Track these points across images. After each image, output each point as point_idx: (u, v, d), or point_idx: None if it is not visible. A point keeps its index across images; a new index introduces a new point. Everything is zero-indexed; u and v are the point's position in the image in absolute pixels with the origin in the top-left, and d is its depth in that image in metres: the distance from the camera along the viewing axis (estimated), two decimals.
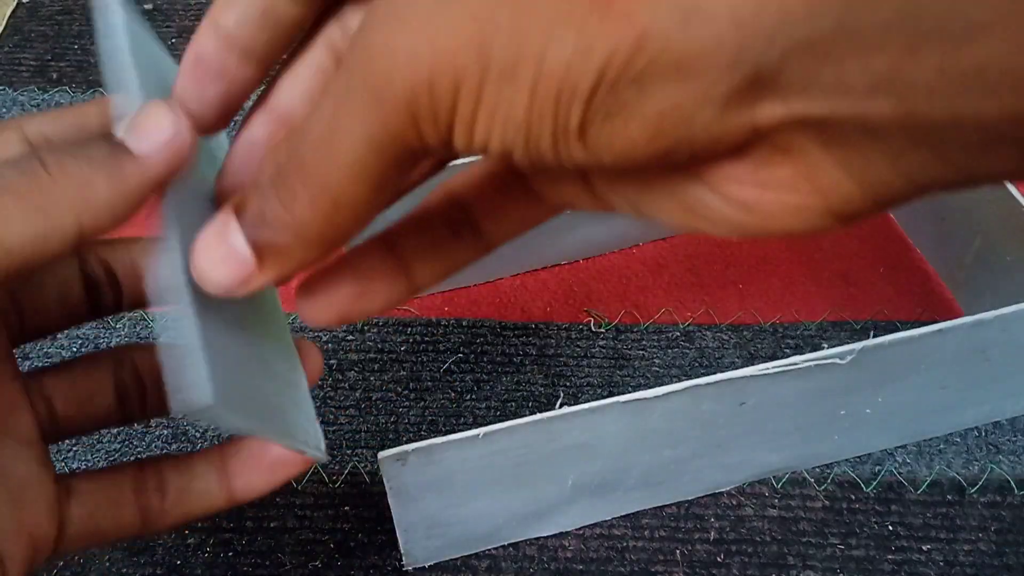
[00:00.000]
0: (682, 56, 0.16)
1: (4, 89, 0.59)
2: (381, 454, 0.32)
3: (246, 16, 0.22)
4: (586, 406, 0.33)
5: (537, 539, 0.40)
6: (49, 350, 0.46)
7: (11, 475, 0.25)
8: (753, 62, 0.16)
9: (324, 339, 0.46)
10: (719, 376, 0.34)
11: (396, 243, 0.25)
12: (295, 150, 0.19)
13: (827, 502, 0.41)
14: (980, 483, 0.41)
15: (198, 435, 0.43)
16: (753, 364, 0.35)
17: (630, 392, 0.34)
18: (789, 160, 0.18)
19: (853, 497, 0.41)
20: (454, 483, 0.34)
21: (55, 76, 0.60)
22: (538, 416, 0.33)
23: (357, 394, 0.44)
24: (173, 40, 0.62)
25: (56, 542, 0.26)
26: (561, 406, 0.33)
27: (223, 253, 0.20)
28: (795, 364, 0.34)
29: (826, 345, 0.46)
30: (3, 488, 0.24)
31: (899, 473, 0.41)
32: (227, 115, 0.24)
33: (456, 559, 0.39)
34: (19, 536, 0.25)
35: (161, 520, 0.28)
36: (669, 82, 0.16)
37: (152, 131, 0.22)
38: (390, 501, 0.34)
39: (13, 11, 0.65)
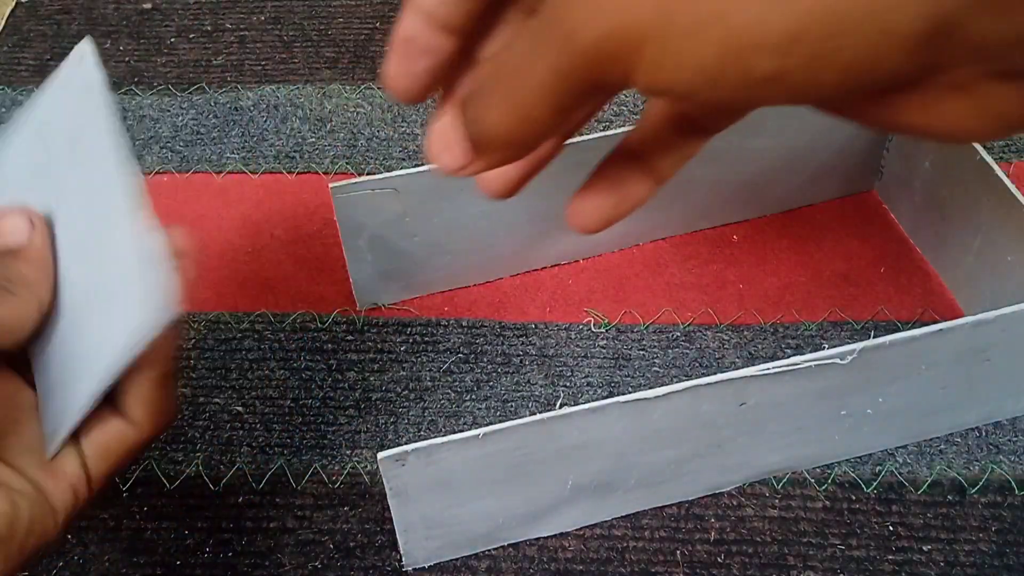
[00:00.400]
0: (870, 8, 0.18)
1: (3, 89, 0.59)
2: (381, 454, 0.32)
3: None
4: (586, 406, 0.33)
5: (537, 539, 0.40)
6: None
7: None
8: (940, 14, 0.18)
9: (324, 339, 0.46)
10: (719, 376, 0.34)
11: (633, 152, 0.30)
12: (497, 72, 0.22)
13: (828, 502, 0.41)
14: (981, 483, 0.41)
15: (197, 436, 0.43)
16: (753, 364, 0.35)
17: (630, 392, 0.34)
18: (966, 95, 0.20)
19: (854, 497, 0.41)
20: (454, 483, 0.34)
21: None
22: (538, 416, 0.33)
23: (357, 394, 0.44)
24: (172, 40, 0.62)
25: (88, 484, 0.31)
26: (561, 406, 0.33)
27: (448, 142, 0.24)
28: (795, 364, 0.34)
29: (826, 345, 0.46)
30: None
31: (900, 473, 0.41)
32: (434, 85, 0.27)
33: (456, 560, 0.39)
34: (65, 489, 0.31)
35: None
36: (855, 36, 0.18)
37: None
38: (390, 502, 0.34)
39: (12, 10, 0.65)
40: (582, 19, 0.20)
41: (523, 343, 0.46)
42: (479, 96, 0.23)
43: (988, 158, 0.41)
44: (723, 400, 0.35)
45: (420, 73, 0.26)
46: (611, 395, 0.33)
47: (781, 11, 0.19)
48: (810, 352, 0.35)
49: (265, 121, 0.57)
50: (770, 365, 0.34)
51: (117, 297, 0.28)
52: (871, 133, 0.48)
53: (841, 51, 0.19)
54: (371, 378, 0.45)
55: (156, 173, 0.54)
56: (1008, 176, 0.41)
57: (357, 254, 0.44)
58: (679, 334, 0.46)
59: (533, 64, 0.22)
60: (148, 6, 0.65)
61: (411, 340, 0.46)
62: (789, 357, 0.34)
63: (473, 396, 0.44)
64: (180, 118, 0.57)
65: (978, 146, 0.42)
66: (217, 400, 0.44)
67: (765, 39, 0.19)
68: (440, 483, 0.34)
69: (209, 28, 0.63)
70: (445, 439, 0.32)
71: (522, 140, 0.24)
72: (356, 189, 0.41)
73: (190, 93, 0.59)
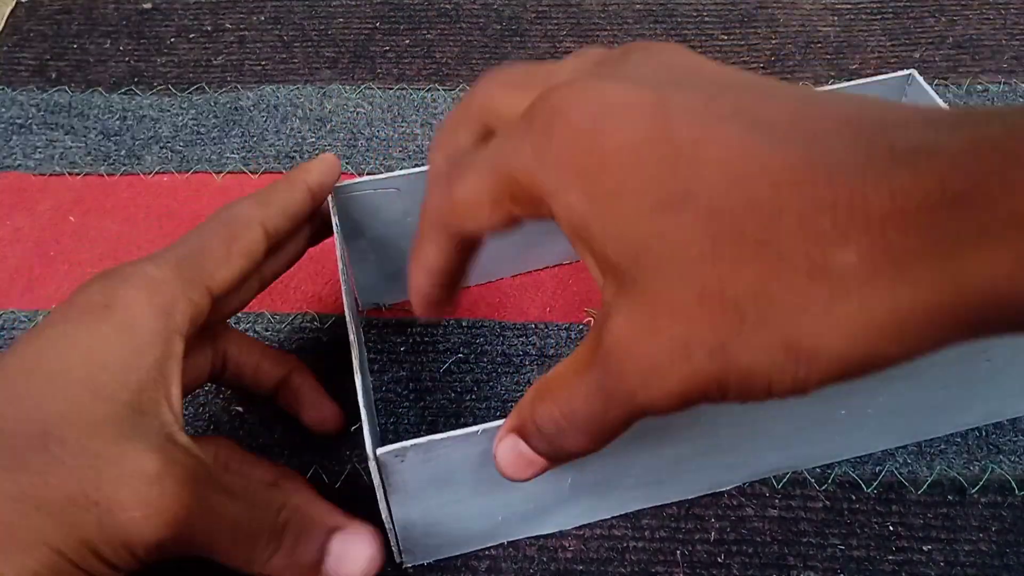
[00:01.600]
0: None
1: (3, 88, 0.59)
2: (380, 450, 0.32)
3: (441, 256, 0.31)
4: None
5: (537, 539, 0.40)
6: None
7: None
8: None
9: (324, 340, 0.46)
10: None
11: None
12: (572, 418, 0.27)
13: (828, 502, 0.41)
14: (981, 483, 0.41)
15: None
16: None
17: None
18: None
19: (854, 497, 0.41)
20: (453, 480, 0.34)
21: (54, 76, 0.60)
22: None
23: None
24: (172, 40, 0.62)
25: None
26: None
27: (527, 462, 0.29)
28: None
29: None
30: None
31: (900, 473, 0.41)
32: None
33: (455, 558, 0.39)
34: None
35: (219, 379, 0.40)
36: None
37: (343, 570, 0.34)
38: (389, 498, 0.34)
39: (12, 10, 0.65)
40: (640, 397, 0.25)
41: (523, 343, 0.46)
42: (559, 435, 0.27)
43: None
44: None
45: (441, 304, 0.34)
46: None
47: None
48: None
49: (265, 121, 0.57)
50: None
51: None
52: None
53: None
54: (371, 378, 0.45)
55: (156, 173, 0.54)
56: None
57: (359, 254, 0.44)
58: None
59: (605, 414, 0.26)
60: (148, 6, 0.65)
61: (411, 340, 0.46)
62: None
63: (473, 396, 0.44)
64: (180, 118, 0.57)
65: None
66: (217, 400, 0.44)
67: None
68: (439, 480, 0.34)
69: (209, 28, 0.63)
70: (444, 435, 0.32)
71: (591, 450, 0.28)
72: (358, 189, 0.41)
73: (190, 93, 0.59)
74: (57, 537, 0.28)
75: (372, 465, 0.32)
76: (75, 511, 0.28)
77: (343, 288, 0.38)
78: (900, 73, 0.45)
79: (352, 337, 0.36)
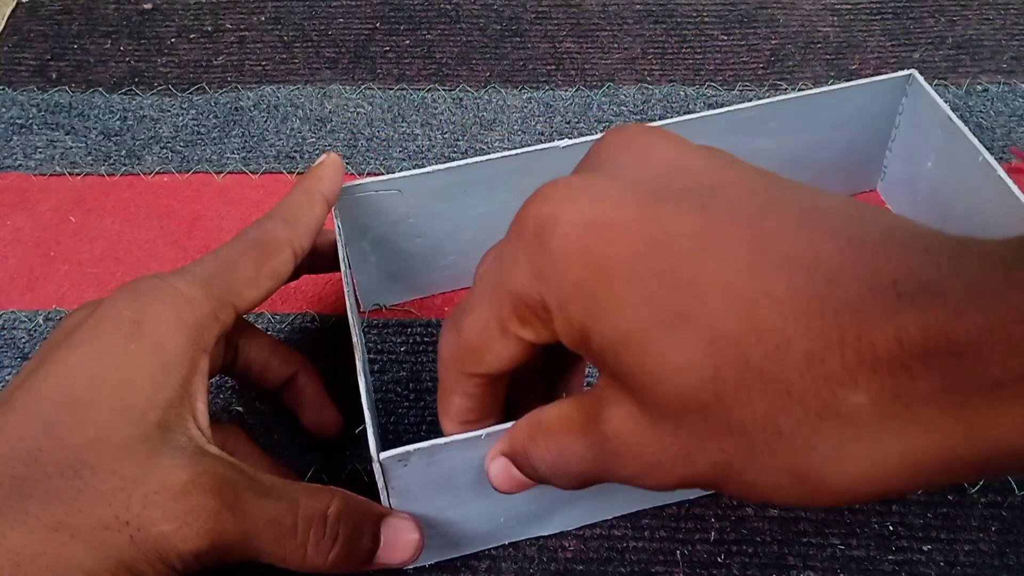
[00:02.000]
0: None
1: (3, 89, 0.59)
2: (383, 454, 0.32)
3: (469, 401, 0.32)
4: None
5: (537, 539, 0.40)
6: None
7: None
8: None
9: (325, 340, 0.46)
10: None
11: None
12: (558, 466, 0.28)
13: None
14: (980, 483, 0.41)
15: None
16: None
17: None
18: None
19: None
20: (456, 483, 0.34)
21: (54, 76, 0.60)
22: None
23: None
24: (172, 40, 0.62)
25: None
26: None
27: (514, 479, 0.31)
28: None
29: None
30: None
31: None
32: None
33: (456, 559, 0.39)
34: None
35: (227, 371, 0.40)
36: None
37: (393, 556, 0.34)
38: (391, 501, 0.34)
39: (12, 11, 0.65)
40: (639, 475, 0.26)
41: None
42: (550, 475, 0.29)
43: (991, 159, 0.41)
44: None
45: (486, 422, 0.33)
46: None
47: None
48: None
49: (265, 121, 0.57)
50: None
51: None
52: (873, 133, 0.48)
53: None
54: (371, 378, 0.45)
55: (156, 173, 0.54)
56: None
57: (361, 255, 0.44)
58: None
59: (596, 476, 0.28)
60: (148, 6, 0.65)
61: (411, 340, 0.46)
62: None
63: None
64: (180, 118, 0.57)
65: (981, 147, 0.42)
66: (217, 400, 0.44)
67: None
68: (442, 483, 0.34)
69: (209, 28, 0.63)
70: (447, 439, 0.32)
71: (579, 489, 0.29)
72: (360, 191, 0.41)
73: (190, 93, 0.59)
74: (93, 563, 0.28)
75: (376, 468, 0.32)
76: (108, 535, 0.29)
77: (345, 290, 0.38)
78: (900, 73, 0.45)
79: (355, 339, 0.36)
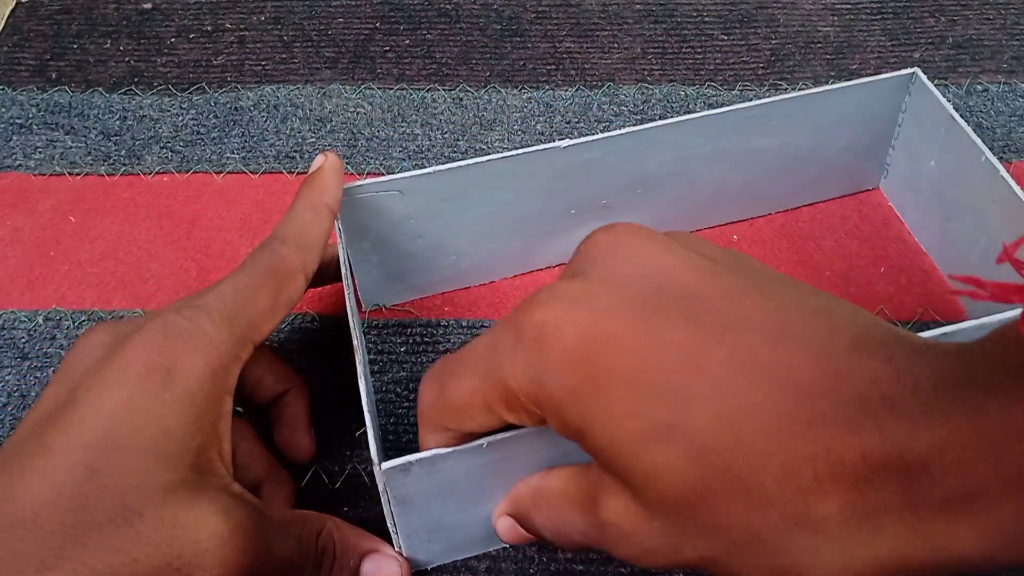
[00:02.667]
0: None
1: (3, 88, 0.59)
2: (384, 464, 0.32)
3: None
4: None
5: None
6: None
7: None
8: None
9: (324, 340, 0.46)
10: None
11: None
12: (559, 534, 0.31)
13: None
14: None
15: None
16: None
17: None
18: None
19: None
20: (457, 491, 0.34)
21: (54, 76, 0.60)
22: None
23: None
24: (172, 40, 0.62)
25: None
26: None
27: (516, 534, 0.34)
28: None
29: None
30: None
31: None
32: None
33: (456, 560, 0.39)
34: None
35: None
36: None
37: None
38: (393, 509, 0.34)
39: (12, 10, 0.65)
40: (633, 557, 0.28)
41: None
42: (552, 538, 0.32)
43: (993, 159, 0.41)
44: None
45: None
46: None
47: None
48: None
49: (265, 121, 0.57)
50: None
51: None
52: (876, 131, 0.48)
53: None
54: (371, 379, 0.45)
55: (156, 173, 0.54)
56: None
57: (362, 256, 0.44)
58: None
59: (595, 546, 0.30)
60: (148, 6, 0.65)
61: (411, 341, 0.46)
62: None
63: None
64: (180, 118, 0.57)
65: (983, 146, 0.42)
66: None
67: None
68: (444, 491, 0.34)
69: (209, 28, 0.63)
70: (449, 449, 0.32)
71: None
72: (361, 192, 0.41)
73: (190, 93, 0.59)
74: None
75: (377, 475, 0.32)
76: None
77: (346, 292, 0.38)
78: (903, 72, 0.45)
79: (356, 342, 0.36)
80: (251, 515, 0.32)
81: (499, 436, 0.32)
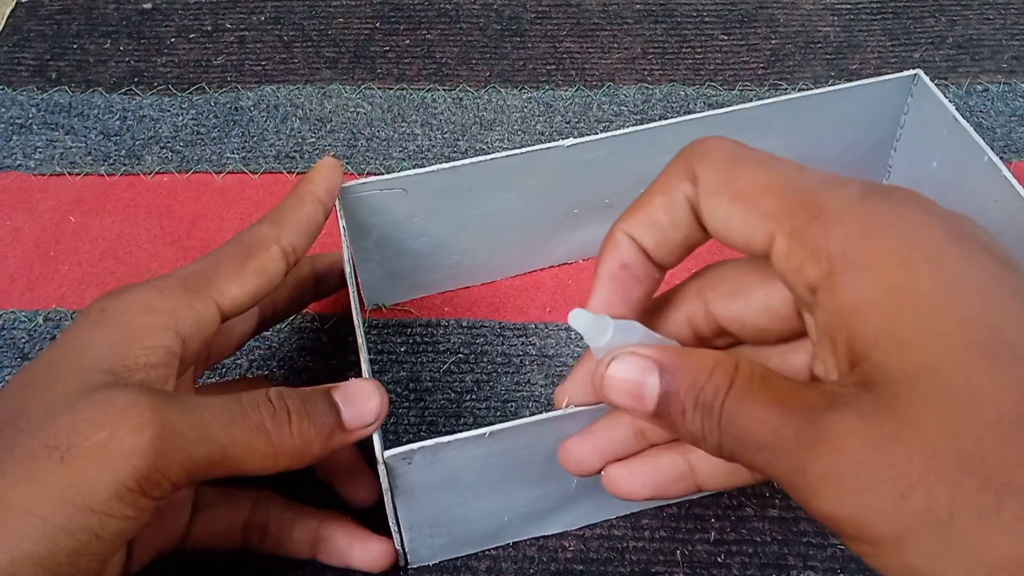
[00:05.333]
0: None
1: (3, 88, 0.59)
2: (387, 453, 0.32)
3: (665, 240, 0.30)
4: (593, 407, 0.33)
5: (537, 539, 0.40)
6: None
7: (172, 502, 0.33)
8: None
9: (324, 340, 0.46)
10: None
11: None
12: (734, 424, 0.25)
13: None
14: None
15: None
16: None
17: None
18: None
19: None
20: (459, 482, 0.34)
21: (54, 76, 0.60)
22: (544, 415, 0.32)
23: None
24: (172, 40, 0.62)
25: (173, 549, 0.36)
26: (567, 405, 0.33)
27: (635, 388, 0.27)
28: None
29: None
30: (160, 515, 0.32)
31: None
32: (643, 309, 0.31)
33: (456, 559, 0.39)
34: (152, 549, 0.35)
35: (256, 550, 0.38)
36: None
37: (361, 411, 0.32)
38: (395, 500, 0.34)
39: (12, 10, 0.65)
40: (829, 490, 0.23)
41: (523, 343, 0.46)
42: (707, 424, 0.26)
43: (995, 159, 0.41)
44: None
45: (636, 300, 0.31)
46: None
47: None
48: None
49: (265, 121, 0.57)
50: None
51: None
52: (878, 132, 0.48)
53: None
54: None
55: (156, 173, 0.54)
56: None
57: (365, 254, 0.44)
58: None
59: (756, 458, 0.25)
60: (148, 6, 0.65)
61: (411, 340, 0.46)
62: None
63: (473, 396, 0.44)
64: (180, 118, 0.57)
65: (985, 146, 0.42)
66: None
67: None
68: (446, 482, 0.34)
69: (209, 28, 0.63)
70: (451, 437, 0.32)
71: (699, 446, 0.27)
72: (364, 189, 0.41)
73: (190, 93, 0.59)
74: (30, 501, 0.27)
75: (379, 467, 0.32)
76: (37, 465, 0.27)
77: (350, 292, 0.38)
78: (906, 73, 0.45)
79: (359, 339, 0.36)
80: (148, 393, 0.29)
81: (501, 426, 0.32)
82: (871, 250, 0.24)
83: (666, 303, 0.32)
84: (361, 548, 0.37)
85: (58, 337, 0.32)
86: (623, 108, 0.57)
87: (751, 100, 0.44)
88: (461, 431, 0.32)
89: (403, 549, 0.37)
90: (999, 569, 0.20)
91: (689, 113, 0.46)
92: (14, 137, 0.56)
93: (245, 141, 0.56)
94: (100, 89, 0.59)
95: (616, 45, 0.61)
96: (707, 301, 0.31)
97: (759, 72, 0.59)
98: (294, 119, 0.57)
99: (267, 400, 0.31)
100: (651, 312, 0.32)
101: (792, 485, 0.24)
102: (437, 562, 0.39)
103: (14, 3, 0.65)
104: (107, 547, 0.28)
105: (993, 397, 0.21)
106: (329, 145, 0.55)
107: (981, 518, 0.20)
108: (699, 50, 0.61)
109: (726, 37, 0.62)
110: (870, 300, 0.23)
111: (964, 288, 0.23)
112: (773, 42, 0.61)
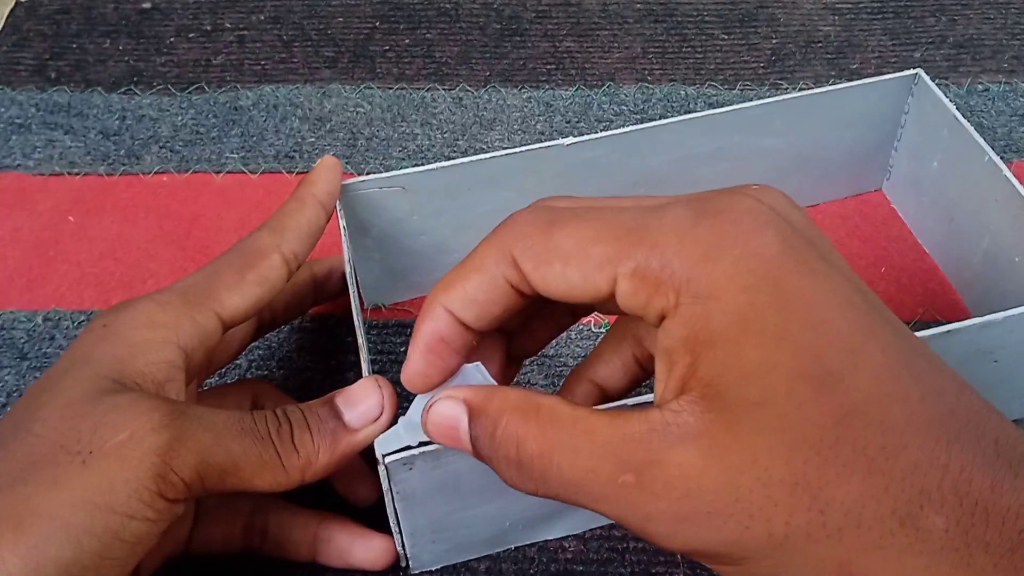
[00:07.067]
0: None
1: (3, 88, 0.59)
2: (388, 458, 0.32)
3: (485, 314, 0.29)
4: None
5: (538, 540, 0.39)
6: None
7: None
8: None
9: (324, 340, 0.46)
10: None
11: None
12: (543, 463, 0.26)
13: None
14: None
15: None
16: None
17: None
18: None
19: None
20: (461, 488, 0.34)
21: (53, 75, 0.60)
22: None
23: None
24: (171, 39, 0.62)
25: (177, 554, 0.36)
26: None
27: (450, 431, 0.28)
28: None
29: None
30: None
31: None
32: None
33: (458, 562, 0.39)
34: (158, 557, 0.35)
35: (257, 552, 0.38)
36: None
37: (363, 408, 0.33)
38: (397, 505, 0.34)
39: (12, 10, 0.64)
40: (677, 518, 0.24)
41: None
42: (517, 467, 0.27)
43: (996, 159, 0.41)
44: None
45: (449, 368, 0.30)
46: None
47: None
48: None
49: (265, 121, 0.57)
50: None
51: None
52: (879, 132, 0.48)
53: None
54: None
55: (156, 173, 0.54)
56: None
57: (364, 253, 0.44)
58: None
59: (592, 495, 0.26)
60: (147, 5, 0.65)
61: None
62: None
63: None
64: (180, 118, 0.57)
65: (986, 146, 0.42)
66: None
67: None
68: (447, 487, 0.34)
69: (209, 28, 0.63)
70: None
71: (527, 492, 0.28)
72: (363, 187, 0.41)
73: (190, 93, 0.59)
74: (52, 504, 0.27)
75: (380, 471, 0.32)
76: (59, 470, 0.28)
77: (351, 292, 0.38)
78: (906, 73, 0.45)
79: (360, 339, 0.36)
80: (161, 400, 0.30)
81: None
82: (714, 277, 0.25)
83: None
84: (362, 546, 0.37)
85: (62, 354, 0.32)
86: (623, 108, 0.57)
87: (751, 99, 0.44)
88: None
89: (404, 551, 0.37)
90: (826, 572, 0.23)
91: (689, 112, 0.46)
92: (13, 137, 0.56)
93: (244, 141, 0.55)
94: (99, 89, 0.59)
95: (616, 44, 0.61)
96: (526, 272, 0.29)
97: (759, 72, 0.59)
98: (294, 119, 0.57)
99: (273, 415, 0.32)
100: None
101: (640, 529, 0.25)
102: (440, 567, 0.39)
103: (13, 3, 0.65)
104: (129, 551, 0.28)
105: (817, 421, 0.23)
106: (329, 145, 0.55)
107: (810, 534, 0.23)
108: (699, 49, 0.61)
109: (726, 36, 0.61)
110: (718, 331, 0.24)
111: (797, 312, 0.24)
112: (774, 41, 0.61)
